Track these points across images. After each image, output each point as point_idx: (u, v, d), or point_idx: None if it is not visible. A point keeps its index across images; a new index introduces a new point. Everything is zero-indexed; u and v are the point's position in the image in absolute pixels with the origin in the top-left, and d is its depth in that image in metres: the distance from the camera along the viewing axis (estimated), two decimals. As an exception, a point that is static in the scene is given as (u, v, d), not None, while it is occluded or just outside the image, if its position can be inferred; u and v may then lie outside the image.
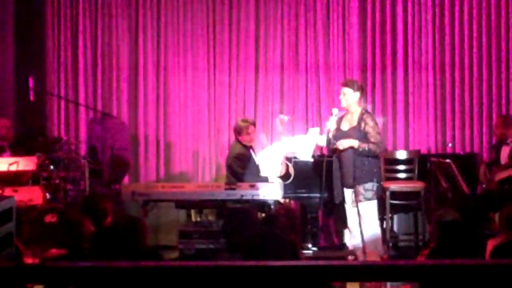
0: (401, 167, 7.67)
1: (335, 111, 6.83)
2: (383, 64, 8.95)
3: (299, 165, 7.54)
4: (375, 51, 8.94)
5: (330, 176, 6.88)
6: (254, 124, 7.83)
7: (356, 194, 6.56)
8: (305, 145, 7.64)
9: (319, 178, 7.24)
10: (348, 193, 6.68)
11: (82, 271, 2.60)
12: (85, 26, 9.06)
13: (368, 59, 8.95)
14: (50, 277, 2.63)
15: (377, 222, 6.67)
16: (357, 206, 6.59)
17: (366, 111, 6.76)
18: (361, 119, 6.62)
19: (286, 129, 8.94)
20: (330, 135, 6.77)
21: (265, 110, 9.02)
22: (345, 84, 6.78)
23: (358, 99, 6.70)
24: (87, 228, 4.93)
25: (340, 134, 6.69)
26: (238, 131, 7.70)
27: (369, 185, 6.53)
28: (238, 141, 7.68)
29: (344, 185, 6.69)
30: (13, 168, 7.03)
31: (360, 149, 6.52)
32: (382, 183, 6.79)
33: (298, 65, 9.00)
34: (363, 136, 6.57)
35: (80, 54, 9.05)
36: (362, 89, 6.80)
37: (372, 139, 6.55)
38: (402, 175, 7.66)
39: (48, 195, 7.18)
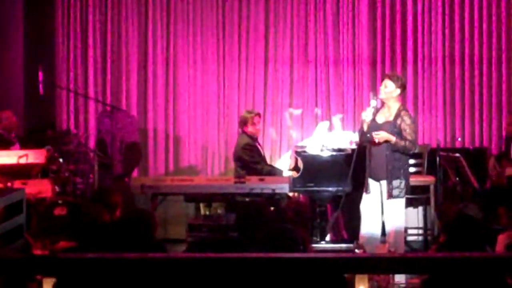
0: (410, 161, 7.62)
1: (373, 102, 6.68)
2: (392, 58, 8.91)
3: (308, 159, 7.51)
4: (384, 45, 8.91)
5: (358, 167, 6.81)
6: (259, 114, 7.89)
7: (384, 189, 6.50)
8: (315, 139, 7.63)
9: (333, 170, 7.26)
10: (375, 186, 6.60)
11: (91, 262, 2.61)
12: (95, 20, 9.06)
13: (378, 53, 8.92)
14: (60, 268, 2.64)
15: (402, 221, 6.60)
16: (381, 200, 6.54)
17: (404, 108, 6.66)
18: (398, 115, 6.52)
19: (295, 123, 8.92)
20: (365, 126, 6.62)
21: (274, 104, 9.01)
22: (390, 77, 6.65)
23: (398, 95, 6.59)
24: (98, 219, 4.95)
25: (374, 126, 6.54)
26: (243, 122, 7.77)
27: (396, 182, 6.45)
28: (244, 132, 7.75)
29: (371, 177, 6.61)
30: (23, 161, 7.05)
31: (397, 146, 6.43)
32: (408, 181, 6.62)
33: (308, 59, 8.97)
34: (398, 132, 6.46)
35: (89, 47, 9.06)
36: (404, 87, 6.72)
37: (409, 137, 6.44)
38: (411, 169, 7.61)
39: (57, 188, 7.19)
